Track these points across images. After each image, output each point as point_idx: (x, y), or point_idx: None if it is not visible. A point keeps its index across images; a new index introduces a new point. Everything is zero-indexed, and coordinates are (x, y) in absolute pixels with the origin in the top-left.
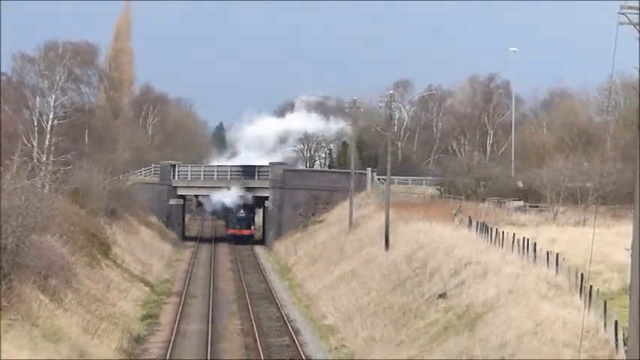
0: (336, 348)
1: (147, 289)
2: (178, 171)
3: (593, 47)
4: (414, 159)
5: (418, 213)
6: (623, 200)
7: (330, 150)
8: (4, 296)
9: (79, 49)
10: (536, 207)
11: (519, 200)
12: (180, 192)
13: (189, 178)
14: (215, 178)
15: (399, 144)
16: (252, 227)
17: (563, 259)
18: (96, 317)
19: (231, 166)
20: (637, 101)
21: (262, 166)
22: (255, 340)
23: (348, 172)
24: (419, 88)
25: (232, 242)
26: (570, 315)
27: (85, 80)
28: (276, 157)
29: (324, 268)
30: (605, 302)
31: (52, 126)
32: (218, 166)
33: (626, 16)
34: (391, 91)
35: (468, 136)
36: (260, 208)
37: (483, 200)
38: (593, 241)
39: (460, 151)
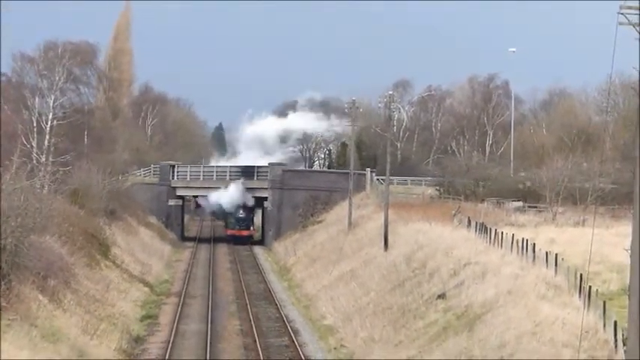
0: (335, 348)
1: (146, 289)
2: (177, 171)
3: (593, 47)
4: (413, 159)
5: (417, 213)
6: (623, 201)
7: (330, 150)
8: (4, 296)
9: (78, 49)
10: (535, 207)
11: (518, 201)
12: (179, 192)
13: (188, 179)
14: (214, 179)
15: (399, 144)
16: (252, 228)
17: (563, 259)
18: (95, 318)
19: (231, 166)
20: (636, 101)
21: (261, 166)
22: (255, 340)
23: (347, 173)
24: (418, 88)
25: (231, 243)
26: (569, 315)
27: (84, 81)
28: (276, 158)
29: (323, 269)
30: (604, 302)
31: (51, 126)
32: (217, 166)
33: (626, 17)
34: (390, 92)
35: (467, 137)
36: (259, 208)
37: (482, 201)
38: (593, 241)
39: (459, 152)
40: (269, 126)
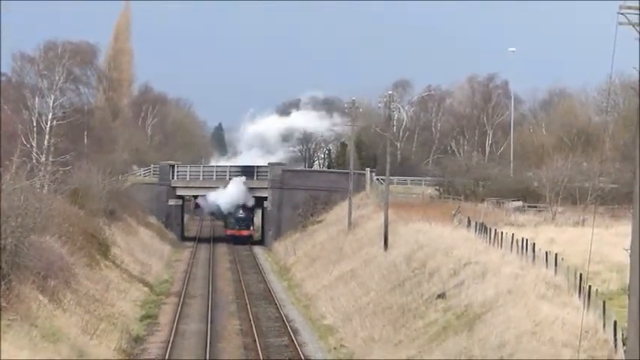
0: (335, 348)
1: (146, 289)
2: (177, 171)
3: (593, 47)
4: (413, 159)
5: (417, 213)
6: (622, 200)
7: (329, 150)
8: (3, 296)
9: (78, 49)
10: (535, 207)
11: (518, 200)
12: (179, 192)
13: (188, 179)
14: (214, 179)
15: (398, 144)
16: (251, 228)
17: (562, 259)
18: (95, 317)
19: (230, 166)
20: (636, 101)
21: (261, 166)
22: (255, 340)
23: (347, 173)
24: (418, 88)
25: (231, 243)
26: (569, 315)
27: (84, 81)
28: (277, 157)
29: (323, 269)
30: (604, 302)
31: (51, 126)
32: (217, 166)
33: (625, 17)
34: (390, 92)
35: (467, 137)
36: (259, 208)
37: (482, 200)
38: (592, 241)
39: (459, 152)
40: (271, 124)
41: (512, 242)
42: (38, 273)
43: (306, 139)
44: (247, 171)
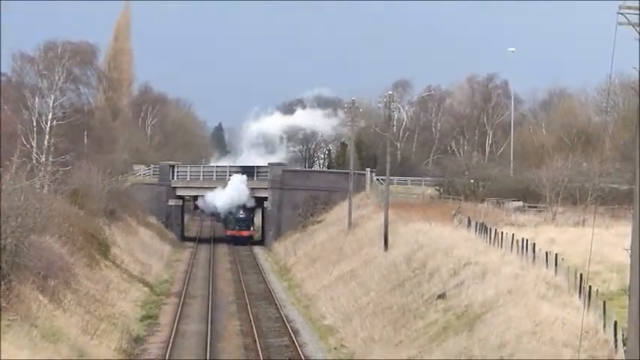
0: (335, 348)
1: (146, 289)
2: (177, 171)
3: (592, 47)
4: (413, 159)
5: (417, 213)
6: (622, 200)
7: (329, 150)
8: (4, 296)
9: (78, 49)
10: (535, 207)
11: (518, 201)
12: (179, 192)
13: (188, 179)
14: (214, 179)
15: (398, 144)
16: (252, 228)
17: (562, 259)
18: (95, 318)
19: (230, 166)
20: (636, 101)
21: (261, 166)
22: (255, 340)
23: (347, 173)
24: (418, 88)
25: (231, 243)
26: (569, 315)
27: (84, 81)
28: (279, 157)
29: (323, 269)
30: (604, 302)
31: (51, 126)
32: (217, 166)
33: (625, 17)
34: (390, 92)
35: (467, 137)
36: (259, 208)
37: (482, 201)
38: (592, 241)
39: (459, 152)
40: (275, 122)
41: (512, 242)
42: (38, 273)
43: (306, 138)
44: (247, 171)
